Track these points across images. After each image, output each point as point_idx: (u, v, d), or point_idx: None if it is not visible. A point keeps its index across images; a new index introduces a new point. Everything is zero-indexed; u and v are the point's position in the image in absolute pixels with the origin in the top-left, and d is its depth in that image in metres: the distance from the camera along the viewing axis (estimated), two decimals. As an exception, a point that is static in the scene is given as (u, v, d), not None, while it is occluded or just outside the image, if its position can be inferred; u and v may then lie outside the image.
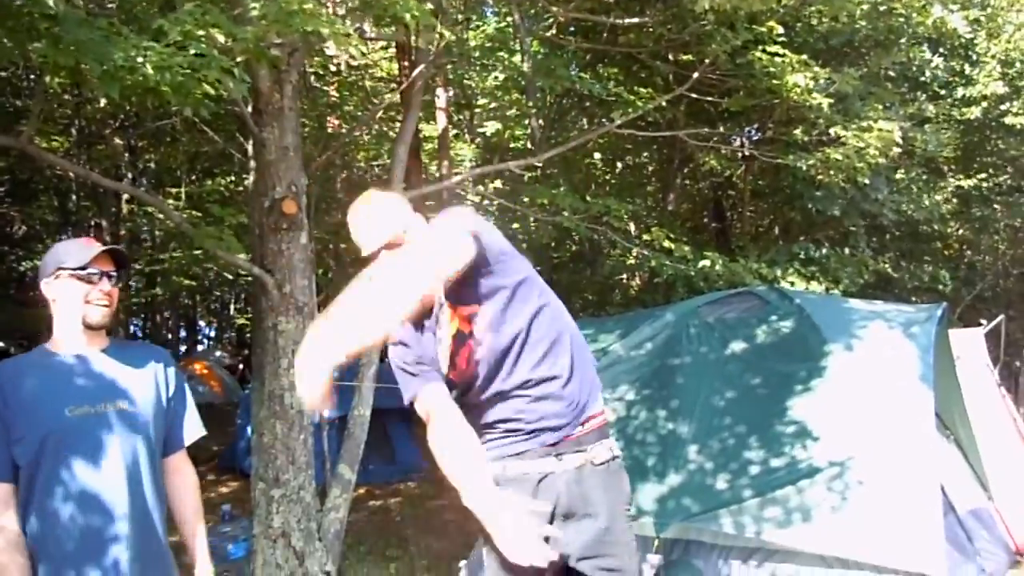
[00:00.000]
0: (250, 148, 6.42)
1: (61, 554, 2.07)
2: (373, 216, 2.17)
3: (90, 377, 2.19)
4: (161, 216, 12.15)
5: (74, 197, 14.58)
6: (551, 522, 2.08)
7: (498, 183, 10.16)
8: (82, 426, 2.11)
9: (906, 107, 9.42)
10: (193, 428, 2.46)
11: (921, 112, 9.84)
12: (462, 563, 5.17)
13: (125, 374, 2.25)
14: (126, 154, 12.53)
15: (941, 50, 10.28)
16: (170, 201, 9.68)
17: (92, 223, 17.62)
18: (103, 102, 7.78)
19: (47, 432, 2.06)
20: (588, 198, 8.13)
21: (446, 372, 2.19)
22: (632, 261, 9.10)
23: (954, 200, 11.75)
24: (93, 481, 2.10)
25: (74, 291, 2.17)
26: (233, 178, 11.82)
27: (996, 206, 12.04)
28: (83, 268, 2.16)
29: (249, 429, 8.78)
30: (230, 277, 15.71)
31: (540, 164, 8.24)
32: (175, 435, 2.40)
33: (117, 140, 11.70)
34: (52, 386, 2.13)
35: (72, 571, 2.06)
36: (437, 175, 10.66)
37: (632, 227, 10.22)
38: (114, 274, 2.24)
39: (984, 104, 10.41)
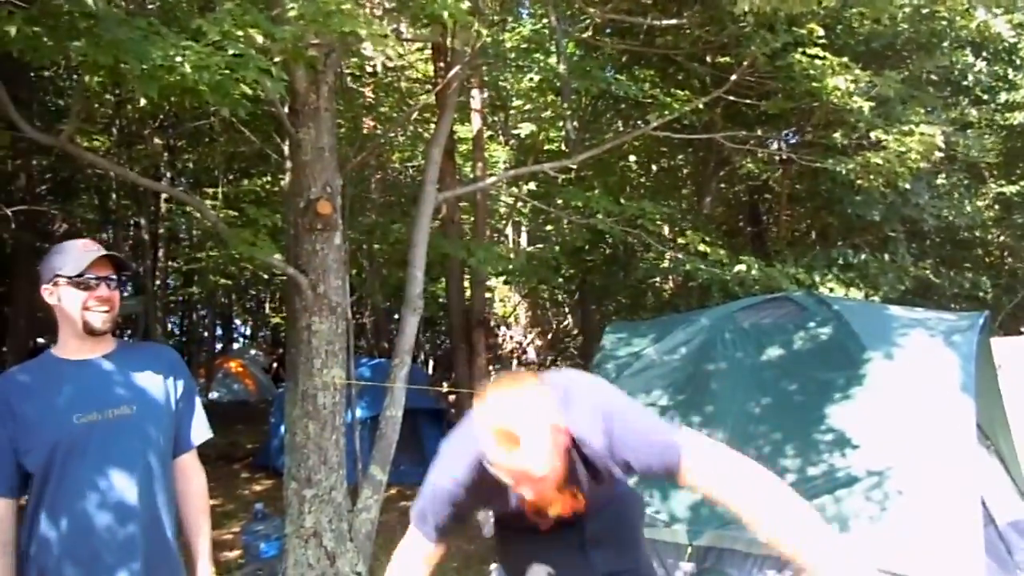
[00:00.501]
0: (286, 148, 6.49)
1: (71, 560, 2.05)
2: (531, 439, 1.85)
3: (96, 383, 2.17)
4: (199, 215, 12.31)
5: (114, 196, 14.81)
6: None
7: (532, 185, 10.14)
8: (90, 433, 2.09)
9: (948, 111, 9.26)
10: (201, 429, 2.45)
11: (963, 116, 9.66)
12: (493, 565, 5.16)
13: (131, 378, 2.23)
14: (165, 154, 12.70)
15: (984, 54, 10.07)
16: (207, 201, 9.78)
17: (132, 221, 17.93)
18: (142, 102, 7.93)
19: (56, 441, 2.05)
20: (622, 201, 8.08)
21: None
22: (666, 265, 9.03)
23: (996, 206, 11.52)
24: (103, 487, 2.09)
25: (73, 297, 2.14)
26: (269, 178, 11.93)
27: (1039, 212, 11.78)
28: (80, 275, 2.12)
29: (282, 428, 8.87)
30: (266, 276, 15.87)
31: (575, 166, 8.20)
32: (183, 437, 2.40)
33: (156, 140, 11.86)
34: (59, 394, 2.11)
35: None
36: (471, 176, 10.68)
37: (667, 230, 10.15)
38: (113, 279, 2.20)
39: (1027, 109, 10.20)
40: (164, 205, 13.82)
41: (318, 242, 4.83)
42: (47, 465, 2.05)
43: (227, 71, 3.27)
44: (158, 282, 14.59)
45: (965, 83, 10.10)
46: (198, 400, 2.47)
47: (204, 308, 20.55)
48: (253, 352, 22.87)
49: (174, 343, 23.78)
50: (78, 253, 2.16)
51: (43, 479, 2.06)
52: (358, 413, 6.51)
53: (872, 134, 7.42)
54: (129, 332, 23.87)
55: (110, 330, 2.22)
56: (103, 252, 2.17)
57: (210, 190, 11.67)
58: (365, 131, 9.30)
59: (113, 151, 11.76)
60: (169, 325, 21.24)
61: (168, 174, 12.68)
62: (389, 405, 5.32)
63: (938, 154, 7.45)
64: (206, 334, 23.25)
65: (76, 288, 2.13)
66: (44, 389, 2.10)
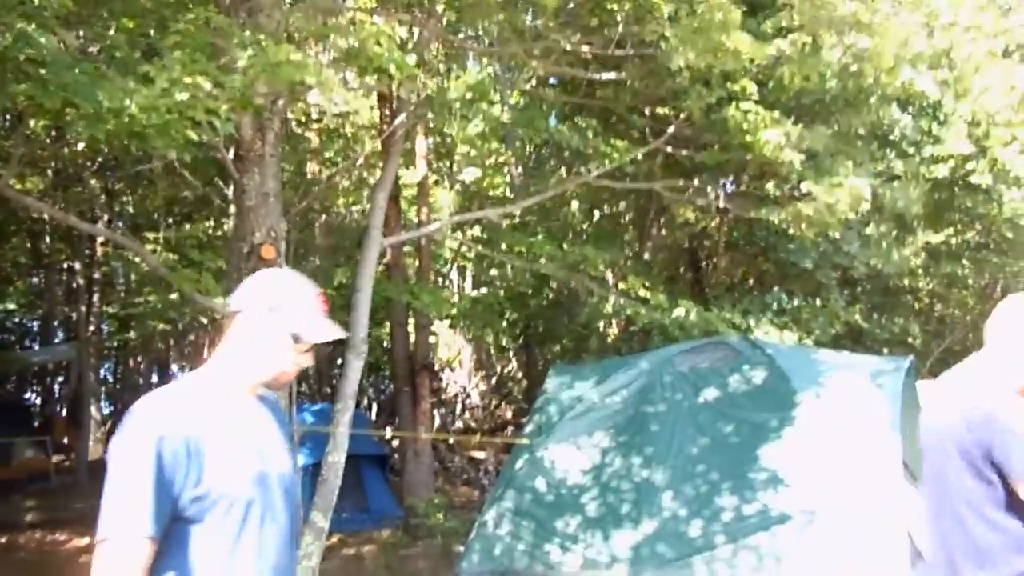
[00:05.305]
0: (230, 193, 6.48)
1: None
2: None
3: (264, 432, 1.94)
4: (136, 260, 12.08)
5: (47, 239, 14.47)
6: None
7: (477, 230, 10.25)
8: (262, 485, 1.84)
9: (876, 164, 9.64)
10: None
11: (890, 169, 10.06)
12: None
13: (280, 433, 2.02)
14: (103, 197, 12.48)
15: (910, 109, 10.55)
16: (148, 245, 9.64)
17: (65, 265, 17.49)
18: (81, 145, 7.83)
19: (231, 488, 1.78)
20: (565, 246, 8.23)
21: None
22: (609, 309, 9.17)
23: (924, 255, 11.97)
24: (268, 547, 1.85)
25: (282, 348, 1.90)
26: (212, 223, 11.81)
27: (964, 262, 12.26)
28: (307, 340, 1.91)
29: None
30: (205, 320, 15.59)
31: (518, 212, 8.35)
32: None
33: (94, 182, 11.67)
34: (233, 436, 1.84)
35: None
36: (416, 221, 10.74)
37: (609, 275, 10.32)
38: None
39: (951, 163, 10.66)
40: (100, 249, 13.54)
41: (262, 286, 4.82)
42: (213, 513, 1.77)
43: (174, 114, 3.30)
44: (92, 327, 14.20)
45: (892, 137, 10.53)
46: None
47: (140, 354, 20.01)
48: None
49: (107, 390, 23.11)
50: (317, 317, 1.94)
51: (203, 528, 1.78)
52: (300, 460, 6.44)
53: (803, 185, 7.71)
54: (61, 379, 23.15)
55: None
56: (339, 336, 1.96)
57: (150, 234, 11.48)
58: (310, 176, 9.33)
59: (49, 193, 11.53)
60: (103, 372, 20.66)
61: (106, 217, 12.44)
62: (332, 450, 5.29)
63: (866, 205, 7.75)
64: (141, 381, 22.60)
65: (294, 343, 1.90)
66: (221, 428, 1.84)
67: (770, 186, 8.38)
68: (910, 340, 10.56)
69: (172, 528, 1.71)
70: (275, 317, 1.89)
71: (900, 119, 10.31)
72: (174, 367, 27.48)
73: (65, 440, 16.99)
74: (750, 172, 8.78)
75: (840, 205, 7.23)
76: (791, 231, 7.96)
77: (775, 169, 7.92)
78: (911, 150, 11.05)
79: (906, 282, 11.69)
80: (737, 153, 7.75)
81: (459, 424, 15.70)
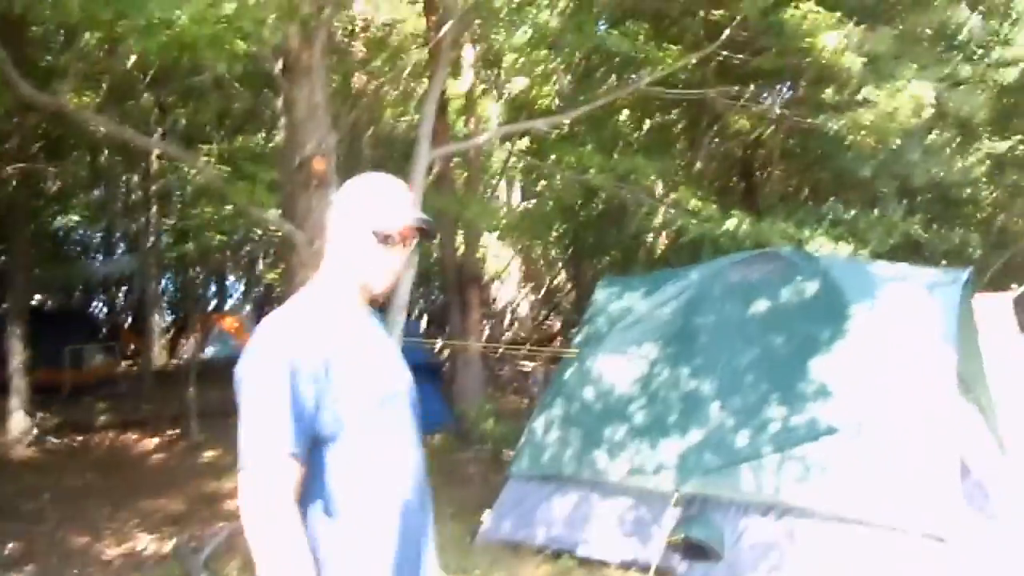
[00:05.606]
0: (279, 106, 6.50)
1: (372, 544, 1.73)
2: None
3: (383, 349, 1.90)
4: (191, 173, 12.27)
5: (105, 154, 14.73)
6: None
7: (525, 142, 10.15)
8: (391, 400, 1.82)
9: (940, 68, 9.23)
10: None
11: (956, 73, 9.63)
12: (486, 512, 5.33)
13: (397, 350, 1.97)
14: (156, 111, 12.61)
15: (979, 9, 10.02)
16: (201, 158, 9.77)
17: (123, 179, 17.85)
18: (132, 60, 7.88)
19: (364, 405, 1.74)
20: (615, 157, 8.13)
21: None
22: (658, 221, 9.10)
23: (987, 164, 11.54)
24: (404, 465, 1.82)
25: (367, 250, 1.82)
26: (263, 135, 11.89)
27: (1030, 171, 11.81)
28: (388, 234, 1.81)
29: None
30: (259, 234, 15.87)
31: (567, 122, 8.22)
32: None
33: (147, 97, 11.77)
34: (361, 354, 1.80)
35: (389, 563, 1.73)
36: (464, 133, 10.67)
37: (659, 187, 10.19)
38: (413, 243, 1.90)
39: (1021, 66, 10.16)
40: (156, 163, 13.76)
41: (313, 199, 4.89)
42: (349, 434, 1.73)
43: (223, 25, 3.31)
44: (151, 240, 14.57)
45: (958, 39, 10.05)
46: None
47: (198, 266, 20.53)
48: (248, 308, 22.96)
49: (168, 301, 23.86)
50: (394, 207, 1.84)
51: (340, 451, 1.73)
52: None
53: (863, 91, 7.44)
54: (125, 289, 23.93)
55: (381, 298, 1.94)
56: (419, 220, 1.87)
57: (203, 147, 11.62)
58: (357, 88, 9.28)
59: (103, 108, 11.68)
60: (163, 282, 21.27)
61: (160, 131, 12.59)
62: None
63: (929, 111, 7.47)
64: (200, 291, 23.27)
65: (379, 244, 1.82)
66: (349, 347, 1.79)
67: (828, 92, 8.10)
68: (969, 252, 10.31)
69: (312, 454, 1.68)
70: (356, 220, 1.83)
71: (968, 19, 9.81)
72: (230, 278, 28.22)
73: (131, 348, 17.72)
74: (808, 78, 8.49)
75: (901, 112, 6.98)
76: (849, 139, 7.73)
77: (834, 74, 7.64)
78: (978, 53, 10.54)
79: (967, 192, 11.32)
80: (794, 58, 7.49)
81: (508, 335, 15.92)
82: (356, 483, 1.71)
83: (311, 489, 1.68)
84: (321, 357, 1.68)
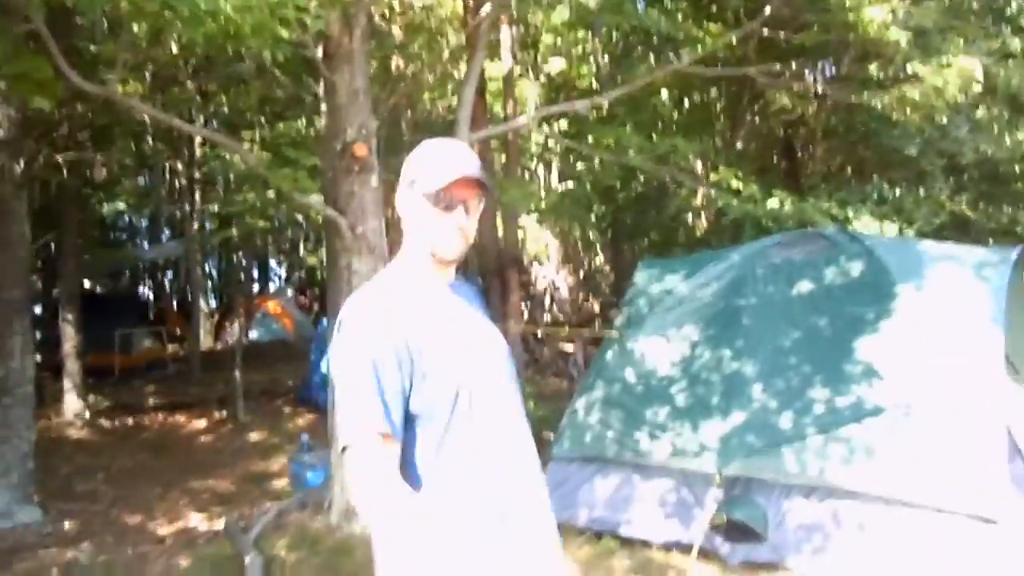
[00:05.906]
0: (320, 91, 6.56)
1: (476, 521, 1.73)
2: None
3: (472, 317, 1.88)
4: (234, 159, 12.43)
5: (150, 141, 14.98)
6: None
7: (563, 123, 10.11)
8: (485, 371, 1.81)
9: (989, 41, 8.99)
10: None
11: (1005, 47, 9.38)
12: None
13: (487, 320, 1.94)
14: (198, 98, 12.78)
15: (1031, -22, 9.74)
16: (243, 144, 9.90)
17: (168, 166, 18.14)
18: (175, 48, 8.00)
19: (459, 382, 1.74)
20: (654, 137, 8.07)
21: None
22: (699, 201, 9.03)
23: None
24: (507, 439, 1.81)
25: (429, 216, 1.80)
26: (304, 121, 12.00)
27: (1083, 146, 11.48)
28: (437, 193, 1.78)
29: (323, 364, 9.12)
30: (301, 218, 16.06)
31: (606, 103, 8.17)
32: None
33: (189, 84, 11.94)
34: (446, 332, 1.79)
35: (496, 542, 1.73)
36: (502, 115, 10.66)
37: (699, 167, 10.10)
38: (473, 203, 1.84)
39: (1074, 38, 9.87)
40: (199, 149, 13.98)
41: (355, 184, 4.95)
42: (446, 410, 1.74)
43: (268, 11, 3.36)
44: (196, 225, 14.85)
45: (1008, 12, 9.79)
46: None
47: (241, 250, 20.86)
48: (290, 293, 23.30)
49: (213, 285, 24.29)
50: (442, 164, 1.80)
51: (438, 426, 1.75)
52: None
53: (909, 66, 7.28)
54: (171, 274, 24.40)
55: (458, 261, 1.89)
56: (470, 172, 1.79)
57: (245, 133, 11.78)
58: (395, 72, 9.31)
59: (148, 96, 11.87)
60: (208, 267, 21.65)
61: (202, 118, 12.77)
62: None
63: (977, 86, 7.29)
64: (243, 276, 23.65)
65: (431, 206, 1.79)
66: (434, 318, 1.80)
67: (873, 68, 7.94)
68: (1019, 230, 10.07)
69: (408, 433, 1.70)
70: (411, 187, 1.83)
71: (1019, -10, 9.54)
72: (273, 262, 28.61)
73: (178, 331, 18.09)
74: (852, 54, 8.33)
75: (949, 87, 6.81)
76: (894, 116, 7.57)
77: (879, 50, 7.47)
78: (1029, 25, 10.24)
79: (1017, 168, 11.03)
80: (838, 33, 7.33)
81: (547, 317, 15.94)
82: (446, 459, 1.72)
83: (412, 467, 1.71)
84: (403, 341, 1.69)
